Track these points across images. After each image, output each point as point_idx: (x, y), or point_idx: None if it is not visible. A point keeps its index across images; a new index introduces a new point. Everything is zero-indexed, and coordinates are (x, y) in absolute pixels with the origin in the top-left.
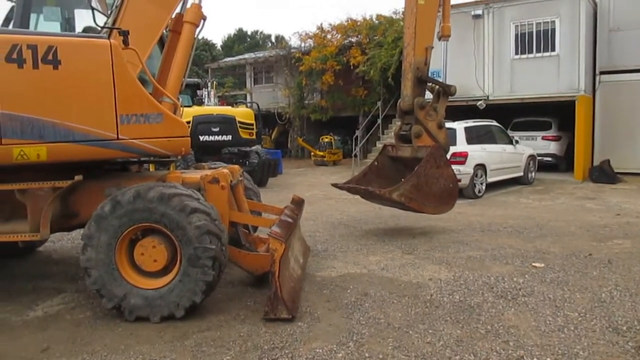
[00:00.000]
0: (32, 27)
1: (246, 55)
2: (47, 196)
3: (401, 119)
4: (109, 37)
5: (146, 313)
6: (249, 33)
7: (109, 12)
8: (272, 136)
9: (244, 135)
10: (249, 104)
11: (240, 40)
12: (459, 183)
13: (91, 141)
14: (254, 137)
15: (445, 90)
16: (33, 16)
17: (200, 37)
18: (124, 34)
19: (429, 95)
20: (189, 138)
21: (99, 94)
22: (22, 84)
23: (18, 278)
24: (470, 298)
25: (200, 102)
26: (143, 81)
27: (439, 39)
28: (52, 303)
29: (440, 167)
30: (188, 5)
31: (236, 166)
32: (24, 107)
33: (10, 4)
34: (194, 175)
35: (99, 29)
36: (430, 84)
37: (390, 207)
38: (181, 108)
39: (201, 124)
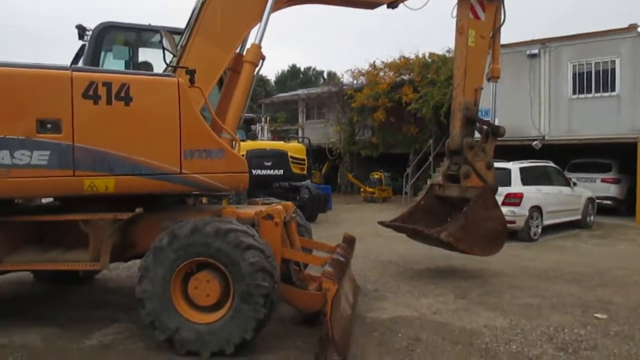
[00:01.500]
0: (100, 64)
1: (299, 91)
2: (108, 227)
3: (449, 159)
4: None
5: (197, 347)
6: (302, 69)
7: (177, 51)
8: (322, 171)
9: (295, 170)
10: (300, 139)
11: (293, 77)
12: (514, 225)
13: (156, 175)
14: (305, 172)
15: (494, 131)
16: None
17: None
18: (191, 73)
19: (478, 135)
20: (248, 174)
21: (165, 129)
22: (95, 119)
23: (76, 305)
24: (528, 349)
25: (254, 137)
26: (203, 117)
27: (488, 80)
28: (106, 332)
29: (488, 208)
30: (248, 46)
31: (290, 203)
32: (97, 141)
33: (80, 42)
34: (249, 210)
35: (155, 65)
36: (479, 124)
37: (438, 247)
38: (239, 143)
39: (254, 158)
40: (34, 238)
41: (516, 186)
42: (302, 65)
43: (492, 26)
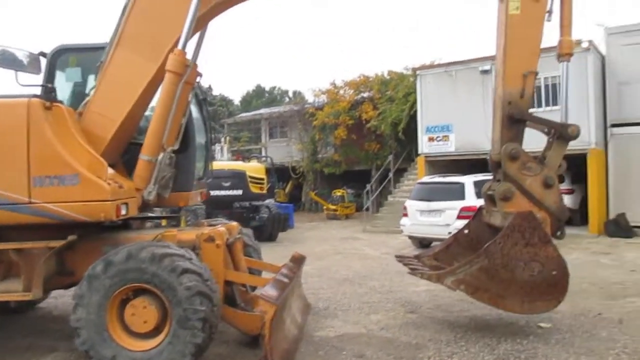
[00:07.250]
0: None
1: (262, 111)
2: (41, 255)
3: (493, 174)
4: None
5: None
6: (267, 89)
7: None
8: (286, 190)
9: (254, 189)
10: (262, 158)
11: (258, 96)
12: None
13: (1, 205)
14: (265, 191)
15: (561, 133)
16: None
17: (217, 93)
18: (50, 90)
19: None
20: (112, 203)
21: (11, 154)
22: None
23: (15, 335)
24: None
25: (212, 158)
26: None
27: (558, 59)
28: None
29: (532, 244)
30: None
31: (235, 223)
32: None
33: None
34: (190, 233)
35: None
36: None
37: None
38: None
39: (213, 179)
40: None
41: (470, 199)
42: (267, 85)
43: None
